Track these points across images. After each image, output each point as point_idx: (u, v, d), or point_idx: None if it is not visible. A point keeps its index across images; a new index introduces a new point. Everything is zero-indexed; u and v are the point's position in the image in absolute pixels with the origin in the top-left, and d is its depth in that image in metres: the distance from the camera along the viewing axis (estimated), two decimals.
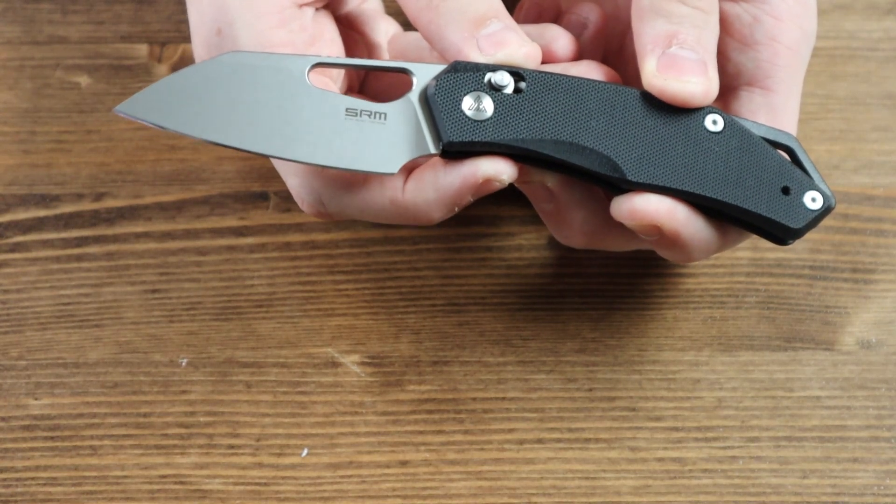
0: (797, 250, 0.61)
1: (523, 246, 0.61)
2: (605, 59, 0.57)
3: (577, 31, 0.56)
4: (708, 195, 0.52)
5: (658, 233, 0.52)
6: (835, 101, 0.65)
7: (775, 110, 0.54)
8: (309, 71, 0.51)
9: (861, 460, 0.57)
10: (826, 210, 0.53)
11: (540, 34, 0.54)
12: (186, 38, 0.62)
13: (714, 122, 0.53)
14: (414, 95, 0.52)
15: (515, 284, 0.61)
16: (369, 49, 0.59)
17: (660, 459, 0.57)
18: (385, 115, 0.52)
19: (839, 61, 0.66)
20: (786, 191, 0.53)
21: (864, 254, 0.61)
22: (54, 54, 0.66)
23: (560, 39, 0.54)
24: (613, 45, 0.57)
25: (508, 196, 0.56)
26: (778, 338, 0.59)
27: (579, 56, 0.55)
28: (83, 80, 0.65)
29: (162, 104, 0.50)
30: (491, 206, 0.61)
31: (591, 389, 0.58)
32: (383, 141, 0.51)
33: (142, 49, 0.66)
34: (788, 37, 0.54)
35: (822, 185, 0.53)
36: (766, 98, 0.55)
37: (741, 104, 0.55)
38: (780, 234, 0.53)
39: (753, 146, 0.53)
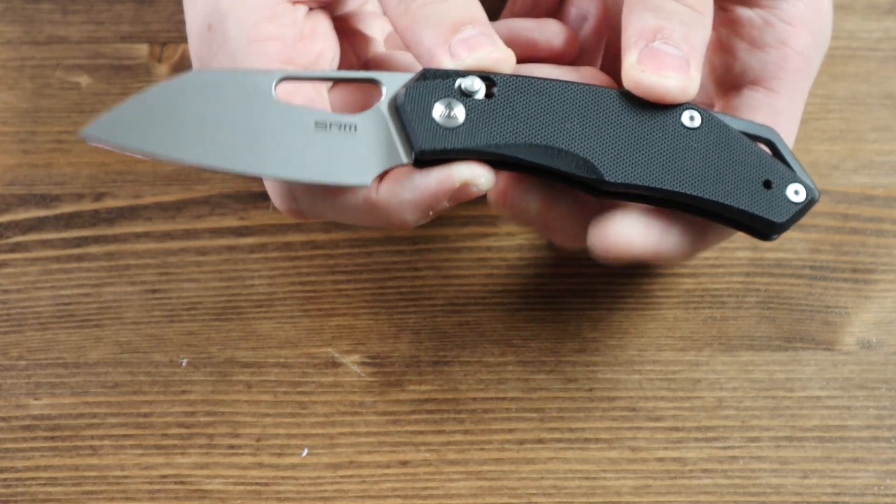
0: (797, 250, 0.61)
1: (523, 246, 0.61)
2: (605, 54, 0.57)
3: (577, 24, 0.56)
4: (688, 192, 0.51)
5: (638, 260, 0.52)
6: (835, 101, 0.65)
7: (777, 112, 0.54)
8: (276, 86, 0.51)
9: (861, 460, 0.57)
10: (809, 202, 0.52)
11: (539, 29, 0.54)
12: (186, 38, 0.62)
13: (691, 118, 0.52)
14: (383, 105, 0.51)
15: (515, 284, 0.61)
16: (365, 48, 0.59)
17: (660, 459, 0.57)
18: (355, 126, 0.51)
19: (839, 61, 0.66)
20: (767, 185, 0.52)
21: (864, 254, 0.61)
22: (54, 54, 0.66)
23: (559, 35, 0.54)
24: (615, 40, 0.57)
25: None
26: (778, 338, 0.59)
27: (579, 51, 0.54)
28: (83, 80, 0.65)
29: (127, 126, 0.49)
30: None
31: (591, 389, 0.58)
32: (355, 153, 0.50)
33: (142, 49, 0.66)
34: (799, 42, 0.54)
35: (804, 178, 0.52)
36: (769, 98, 0.54)
37: (743, 101, 0.54)
38: (764, 229, 0.52)
39: (732, 141, 0.52)
